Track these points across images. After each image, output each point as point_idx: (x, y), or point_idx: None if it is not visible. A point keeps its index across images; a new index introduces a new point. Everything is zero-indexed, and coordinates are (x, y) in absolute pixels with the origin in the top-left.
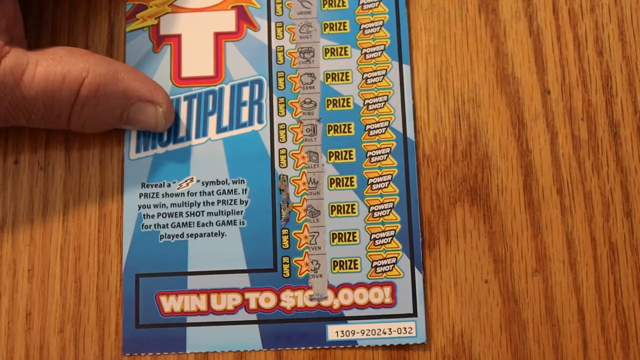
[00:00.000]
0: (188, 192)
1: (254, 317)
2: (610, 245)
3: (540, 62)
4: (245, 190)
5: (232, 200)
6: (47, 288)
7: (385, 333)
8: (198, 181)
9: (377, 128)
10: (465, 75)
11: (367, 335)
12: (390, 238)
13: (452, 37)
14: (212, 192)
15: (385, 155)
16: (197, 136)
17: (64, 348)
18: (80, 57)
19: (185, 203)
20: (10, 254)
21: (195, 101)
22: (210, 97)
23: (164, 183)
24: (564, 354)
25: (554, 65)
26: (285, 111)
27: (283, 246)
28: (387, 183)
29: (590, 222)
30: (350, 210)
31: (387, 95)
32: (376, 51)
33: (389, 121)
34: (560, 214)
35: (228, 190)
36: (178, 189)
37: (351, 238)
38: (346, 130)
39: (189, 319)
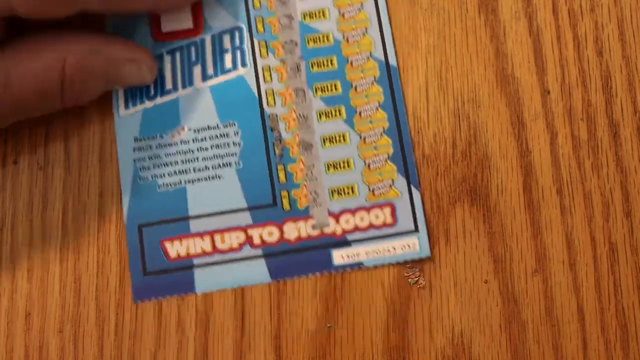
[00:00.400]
0: (181, 141)
1: (259, 252)
2: (610, 246)
3: (540, 62)
4: (237, 132)
5: (225, 143)
6: (47, 288)
7: (389, 251)
8: (190, 129)
9: (359, 59)
10: (465, 76)
11: (372, 256)
12: (384, 161)
13: (452, 37)
14: (205, 138)
15: (371, 83)
16: (184, 87)
17: (64, 348)
18: (55, 40)
19: (180, 152)
20: (10, 255)
21: (178, 54)
22: (193, 48)
23: (156, 135)
24: (564, 354)
25: (553, 66)
26: (267, 53)
27: (280, 181)
28: (375, 109)
29: (590, 222)
30: (342, 140)
31: (366, 27)
32: None
33: (370, 51)
34: (560, 214)
35: (220, 134)
36: (171, 139)
37: (346, 165)
38: (329, 64)
39: (196, 261)
